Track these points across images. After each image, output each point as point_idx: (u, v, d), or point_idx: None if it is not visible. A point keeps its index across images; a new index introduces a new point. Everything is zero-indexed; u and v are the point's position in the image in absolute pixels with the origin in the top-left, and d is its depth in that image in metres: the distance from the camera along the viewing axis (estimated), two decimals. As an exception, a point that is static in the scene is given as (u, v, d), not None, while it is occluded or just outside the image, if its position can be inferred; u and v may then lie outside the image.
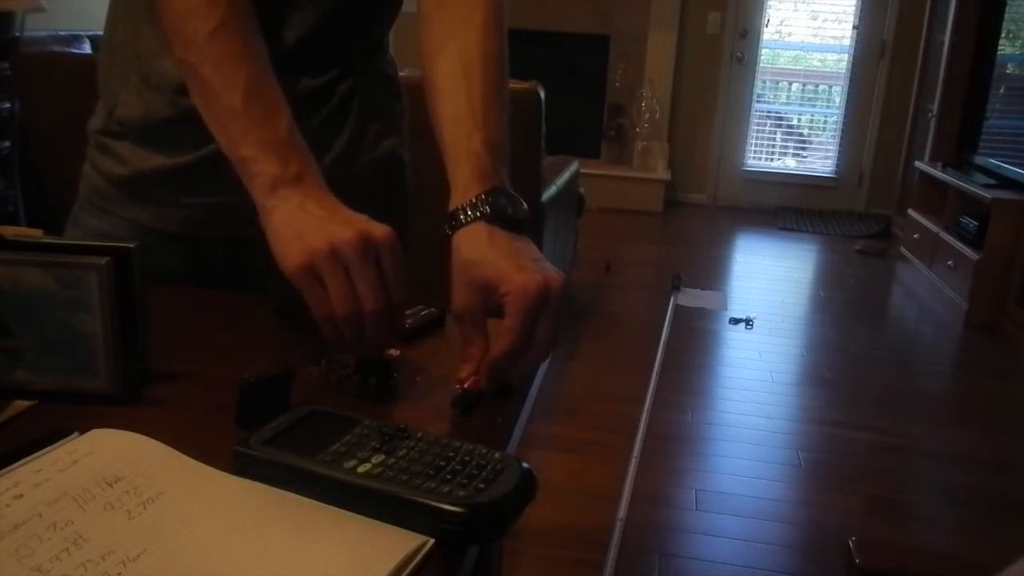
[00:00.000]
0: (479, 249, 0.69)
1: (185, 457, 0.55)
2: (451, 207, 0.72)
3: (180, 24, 0.73)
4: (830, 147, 5.92)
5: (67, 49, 3.41)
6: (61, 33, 3.49)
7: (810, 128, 6.08)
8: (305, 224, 0.65)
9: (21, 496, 0.50)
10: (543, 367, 0.77)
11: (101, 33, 0.93)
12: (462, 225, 0.71)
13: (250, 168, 0.70)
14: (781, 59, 5.92)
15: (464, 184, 0.73)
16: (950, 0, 4.59)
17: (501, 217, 0.71)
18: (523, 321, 0.65)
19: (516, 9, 6.02)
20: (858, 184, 5.83)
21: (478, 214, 0.71)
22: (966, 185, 3.95)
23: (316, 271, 0.63)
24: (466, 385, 0.66)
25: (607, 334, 3.41)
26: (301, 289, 0.64)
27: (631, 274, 4.31)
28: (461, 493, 0.49)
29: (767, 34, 5.75)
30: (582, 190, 3.76)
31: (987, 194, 3.67)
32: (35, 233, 0.70)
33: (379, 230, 0.65)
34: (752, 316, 3.62)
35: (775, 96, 5.97)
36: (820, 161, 5.96)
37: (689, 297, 3.84)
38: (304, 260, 0.63)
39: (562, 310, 0.67)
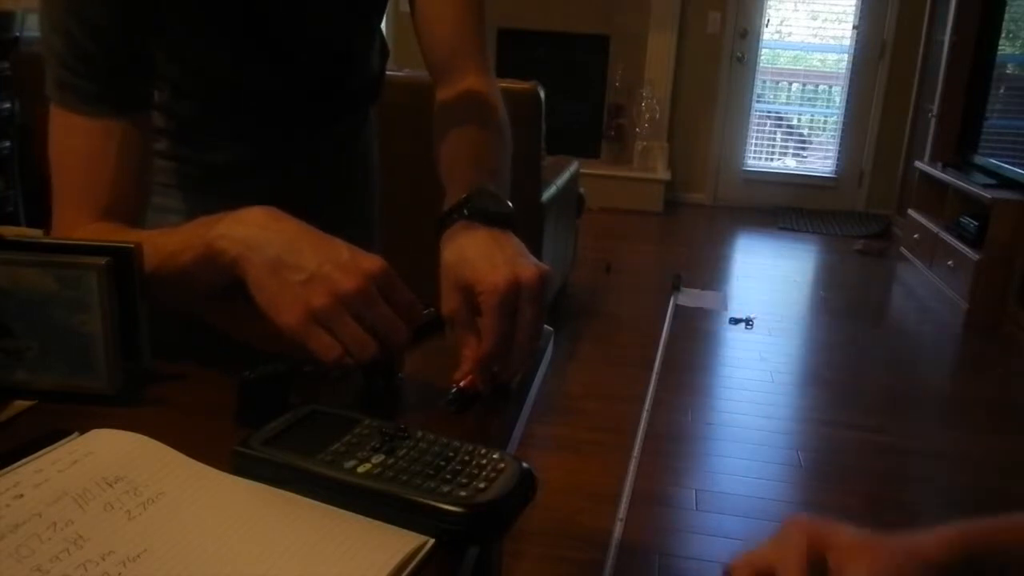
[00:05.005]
0: (458, 250, 0.70)
1: (185, 457, 0.55)
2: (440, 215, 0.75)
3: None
4: (830, 147, 5.92)
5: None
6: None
7: (810, 128, 6.08)
8: (290, 275, 0.61)
9: (21, 496, 0.50)
10: (543, 368, 0.77)
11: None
12: (446, 227, 0.73)
13: (194, 230, 0.68)
14: (781, 59, 5.92)
15: (454, 195, 0.76)
16: (950, 0, 4.59)
17: (481, 214, 0.73)
18: (498, 319, 0.65)
19: (516, 9, 5.98)
20: (858, 184, 5.83)
21: (460, 215, 0.73)
22: (966, 185, 3.95)
23: (321, 324, 0.61)
24: (461, 384, 0.66)
25: (607, 334, 3.40)
26: (304, 341, 0.61)
27: (631, 274, 4.30)
28: (461, 493, 0.49)
29: (767, 34, 5.75)
30: (582, 190, 3.76)
31: (987, 194, 3.67)
32: (35, 233, 0.70)
33: (373, 264, 0.62)
34: (752, 316, 3.62)
35: (775, 96, 5.97)
36: (820, 161, 5.96)
37: (689, 297, 3.84)
38: (305, 318, 0.61)
39: (543, 300, 0.67)
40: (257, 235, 0.64)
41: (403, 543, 0.47)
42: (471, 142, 0.86)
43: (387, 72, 1.08)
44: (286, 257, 0.62)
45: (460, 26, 0.91)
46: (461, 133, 0.86)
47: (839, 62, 5.78)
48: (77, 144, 0.76)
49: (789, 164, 6.02)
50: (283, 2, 0.84)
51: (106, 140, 0.75)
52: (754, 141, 5.95)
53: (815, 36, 5.82)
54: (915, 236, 4.54)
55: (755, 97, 5.84)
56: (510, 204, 0.76)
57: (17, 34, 3.16)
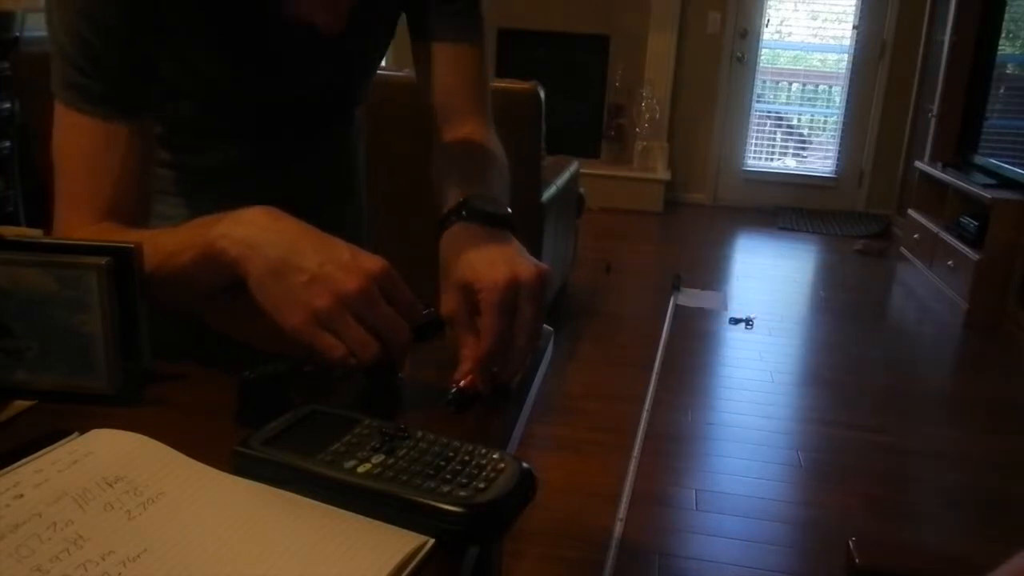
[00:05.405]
0: (457, 250, 0.71)
1: (185, 457, 0.55)
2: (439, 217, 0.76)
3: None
4: (830, 147, 5.92)
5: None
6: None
7: (810, 128, 6.08)
8: (293, 276, 0.62)
9: (21, 496, 0.50)
10: (543, 368, 0.77)
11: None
12: (445, 228, 0.74)
13: (194, 230, 0.68)
14: (781, 59, 5.92)
15: (452, 199, 0.77)
16: (950, 0, 4.59)
17: (479, 215, 0.74)
18: (497, 318, 0.65)
19: (516, 9, 5.99)
20: (858, 184, 5.83)
21: (459, 216, 0.74)
22: (966, 185, 3.95)
23: (324, 325, 0.61)
24: (461, 384, 0.66)
25: (607, 334, 3.40)
26: (308, 341, 0.61)
27: (631, 274, 4.30)
28: (461, 493, 0.49)
29: (767, 34, 5.75)
30: (582, 190, 3.76)
31: (987, 194, 3.67)
32: (35, 233, 0.70)
33: (374, 264, 0.62)
34: (752, 316, 3.62)
35: (775, 96, 5.96)
36: (820, 161, 5.96)
37: (689, 297, 3.84)
38: (308, 319, 0.61)
39: (542, 299, 0.67)
40: (257, 235, 0.64)
41: (403, 543, 0.47)
42: (469, 166, 0.87)
43: (387, 72, 1.09)
44: (288, 258, 0.62)
45: (462, 76, 0.92)
46: (458, 160, 0.88)
47: (839, 62, 5.78)
48: (81, 144, 0.76)
49: (789, 164, 6.02)
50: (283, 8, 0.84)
51: (110, 141, 0.75)
52: (754, 141, 5.95)
53: (815, 36, 5.82)
54: (915, 236, 4.54)
55: (755, 97, 5.84)
56: (508, 208, 0.76)
57: (17, 34, 3.16)
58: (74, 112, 0.75)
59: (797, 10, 5.73)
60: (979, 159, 4.19)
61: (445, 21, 0.90)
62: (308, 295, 0.61)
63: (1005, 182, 3.81)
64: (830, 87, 5.87)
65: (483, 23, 0.93)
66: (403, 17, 0.95)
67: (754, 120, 5.90)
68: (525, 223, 0.76)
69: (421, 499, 0.48)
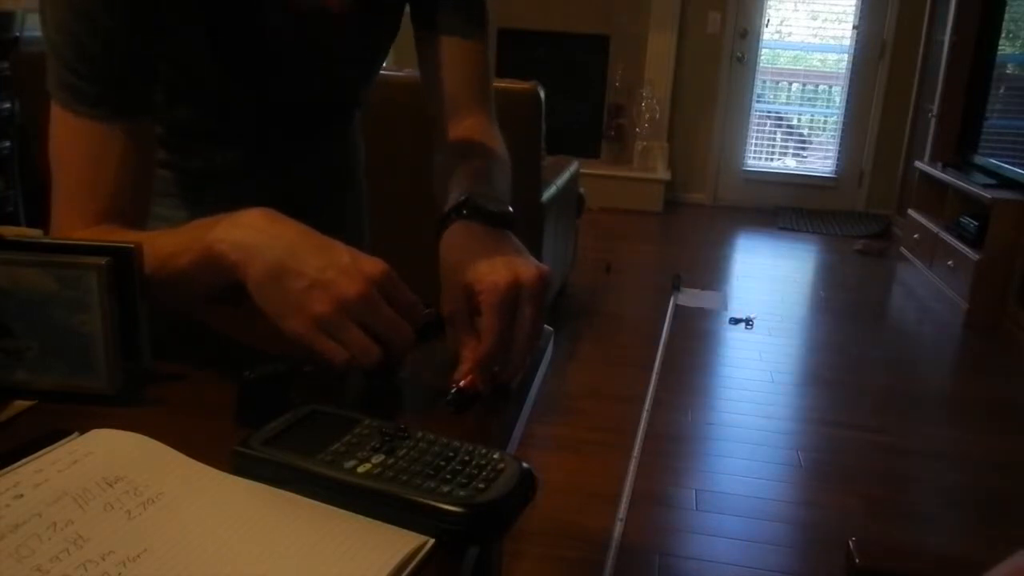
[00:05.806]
0: (458, 251, 0.71)
1: (185, 457, 0.55)
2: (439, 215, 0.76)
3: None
4: (830, 147, 5.92)
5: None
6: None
7: (810, 128, 6.08)
8: (292, 281, 0.61)
9: (21, 496, 0.50)
10: (543, 368, 0.77)
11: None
12: (445, 227, 0.74)
13: (193, 232, 0.68)
14: (781, 59, 5.92)
15: (454, 195, 0.77)
16: (950, 0, 4.59)
17: (480, 214, 0.73)
18: (498, 319, 0.65)
19: (516, 9, 5.98)
20: (858, 184, 5.83)
21: (459, 214, 0.73)
22: (966, 185, 3.95)
23: (325, 331, 0.61)
24: (461, 384, 0.66)
25: (607, 334, 3.40)
26: (310, 346, 0.61)
27: (631, 274, 4.30)
28: (461, 493, 0.49)
29: (767, 34, 5.75)
30: (582, 190, 3.76)
31: (987, 194, 3.67)
32: (35, 233, 0.70)
33: (374, 267, 0.62)
34: (752, 316, 3.62)
35: (775, 96, 5.97)
36: (820, 161, 5.96)
37: (689, 297, 3.84)
38: (310, 325, 0.61)
39: (543, 299, 0.67)
40: (256, 239, 0.63)
41: (403, 543, 0.47)
42: (471, 163, 0.87)
43: (387, 72, 1.08)
44: (287, 262, 0.62)
45: (466, 71, 0.92)
46: (460, 156, 0.88)
47: (839, 62, 5.78)
48: (78, 145, 0.75)
49: (789, 164, 6.02)
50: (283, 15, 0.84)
51: (107, 143, 0.75)
52: (754, 141, 5.95)
53: (815, 36, 5.82)
54: (915, 236, 4.54)
55: (755, 97, 5.84)
56: (509, 206, 0.76)
57: (17, 34, 3.16)
58: (70, 113, 0.74)
59: (797, 10, 5.73)
60: (979, 159, 4.19)
61: (450, 15, 0.90)
62: (308, 301, 0.60)
63: (1005, 182, 3.81)
64: (830, 87, 5.87)
65: (487, 18, 0.93)
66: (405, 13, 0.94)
67: (754, 120, 5.90)
68: (525, 223, 0.76)
69: (421, 499, 0.48)
